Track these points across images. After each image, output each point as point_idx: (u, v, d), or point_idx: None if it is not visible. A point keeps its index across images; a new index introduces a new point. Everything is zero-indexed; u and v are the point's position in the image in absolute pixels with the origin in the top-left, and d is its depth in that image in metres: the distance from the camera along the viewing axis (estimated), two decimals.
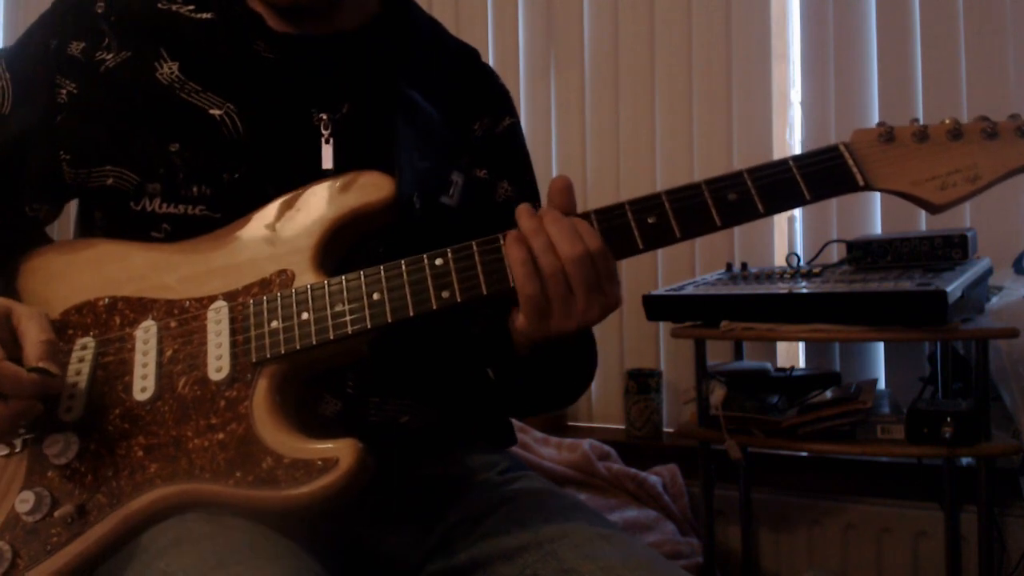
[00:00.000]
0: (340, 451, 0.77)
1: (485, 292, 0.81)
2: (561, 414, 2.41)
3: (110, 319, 0.89)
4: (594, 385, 2.42)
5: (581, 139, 2.41)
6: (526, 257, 0.80)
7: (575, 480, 2.08)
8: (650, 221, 0.81)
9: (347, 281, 0.83)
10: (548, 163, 2.44)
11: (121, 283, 0.90)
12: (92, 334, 0.88)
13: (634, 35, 2.34)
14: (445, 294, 0.81)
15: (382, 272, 0.83)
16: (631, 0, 2.33)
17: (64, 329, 0.89)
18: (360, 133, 0.95)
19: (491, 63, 2.62)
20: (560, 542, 0.84)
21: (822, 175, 0.82)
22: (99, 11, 0.96)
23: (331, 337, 0.82)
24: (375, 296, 0.82)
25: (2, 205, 0.97)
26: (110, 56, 0.94)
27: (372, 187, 0.87)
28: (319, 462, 0.77)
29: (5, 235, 0.97)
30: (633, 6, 2.33)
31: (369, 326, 0.82)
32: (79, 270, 0.92)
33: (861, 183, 0.82)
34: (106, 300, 0.90)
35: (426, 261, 0.82)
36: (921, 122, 0.84)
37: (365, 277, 0.83)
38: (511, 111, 1.10)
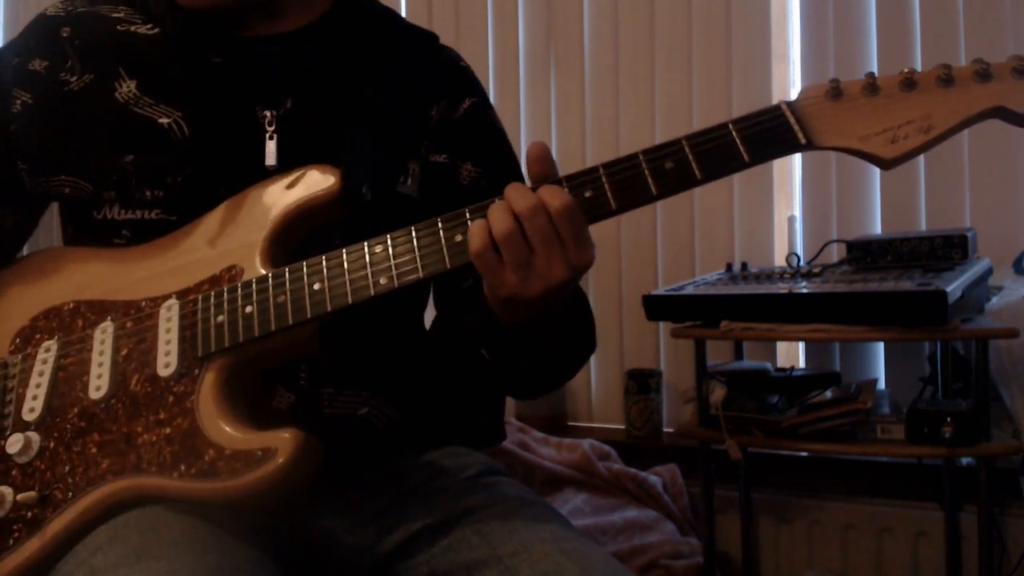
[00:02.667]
0: (280, 441, 0.77)
1: (421, 276, 0.80)
2: (561, 414, 2.41)
3: (73, 322, 0.92)
4: (594, 385, 2.42)
5: (581, 139, 2.41)
6: (482, 225, 0.78)
7: (575, 480, 2.08)
8: (587, 195, 0.79)
9: (290, 272, 0.84)
10: None
11: (84, 288, 0.93)
12: (56, 337, 0.92)
13: (634, 34, 2.33)
14: (383, 280, 0.80)
15: (324, 262, 0.83)
16: (631, 0, 2.33)
17: (32, 334, 0.93)
18: (304, 127, 0.96)
19: (491, 63, 2.60)
20: (519, 557, 0.84)
21: (761, 136, 0.78)
22: (64, 35, 0.99)
23: (272, 328, 0.82)
24: (316, 286, 0.82)
25: None
26: (74, 79, 0.97)
27: (318, 180, 0.88)
28: (259, 453, 0.77)
29: None
30: (633, 6, 2.33)
31: (309, 316, 0.81)
32: (47, 277, 0.96)
33: (803, 141, 0.78)
34: (70, 304, 0.93)
35: (366, 248, 0.82)
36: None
37: (307, 267, 0.83)
38: (473, 91, 1.08)
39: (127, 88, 0.96)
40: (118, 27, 0.99)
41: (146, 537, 0.76)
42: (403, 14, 2.56)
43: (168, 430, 0.82)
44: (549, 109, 2.45)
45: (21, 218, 1.04)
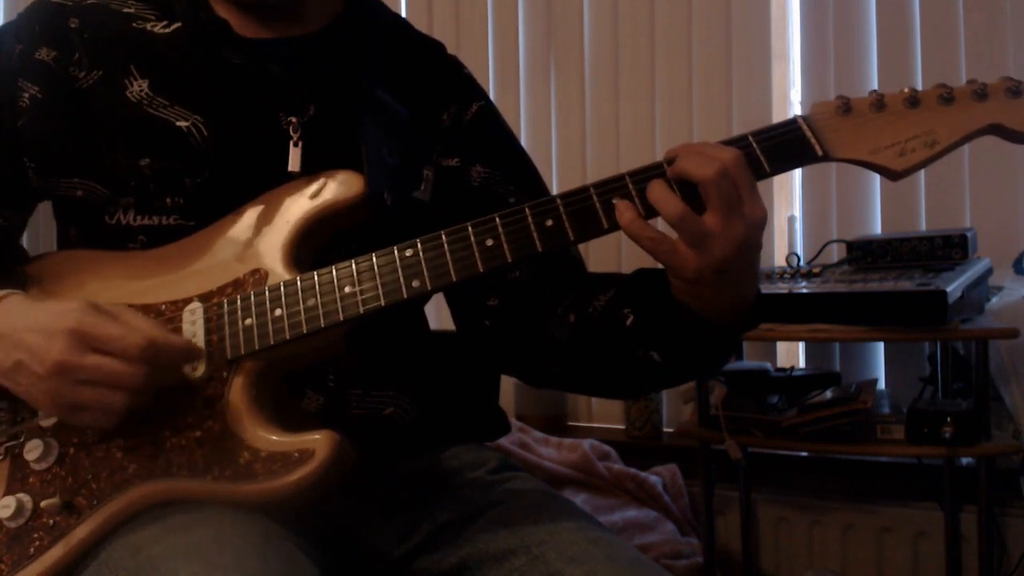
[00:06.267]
0: (317, 442, 0.78)
1: (455, 279, 0.82)
2: (561, 414, 2.41)
3: None
4: None
5: (581, 139, 2.41)
6: (667, 192, 0.80)
7: (575, 480, 2.08)
8: (613, 202, 0.82)
9: (319, 276, 0.84)
10: (548, 163, 2.44)
11: (101, 291, 0.90)
12: None
13: (634, 34, 2.33)
14: (415, 283, 0.82)
15: (353, 265, 0.84)
16: (631, 0, 2.33)
17: None
18: (327, 134, 0.96)
19: (491, 63, 2.60)
20: (547, 545, 0.86)
21: (781, 148, 0.82)
22: (72, 26, 0.95)
23: (304, 331, 0.83)
24: (347, 289, 0.83)
25: None
26: (83, 74, 0.94)
27: (342, 185, 0.89)
28: (296, 454, 0.78)
29: None
30: (633, 6, 2.33)
31: (341, 318, 0.82)
32: (62, 281, 0.93)
33: (820, 153, 0.82)
34: None
35: (396, 253, 0.84)
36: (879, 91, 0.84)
37: (337, 271, 0.84)
38: (479, 96, 1.09)
39: (138, 87, 0.93)
40: (133, 24, 0.96)
41: (195, 533, 0.75)
42: (403, 14, 2.57)
43: (198, 433, 0.81)
44: (549, 109, 2.45)
45: (18, 217, 1.00)
